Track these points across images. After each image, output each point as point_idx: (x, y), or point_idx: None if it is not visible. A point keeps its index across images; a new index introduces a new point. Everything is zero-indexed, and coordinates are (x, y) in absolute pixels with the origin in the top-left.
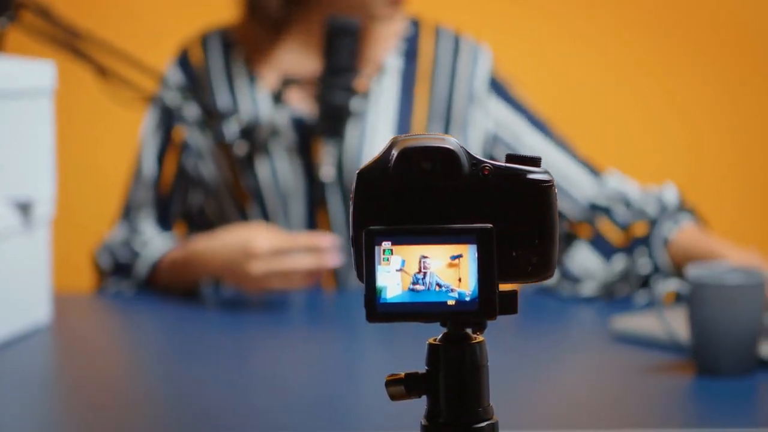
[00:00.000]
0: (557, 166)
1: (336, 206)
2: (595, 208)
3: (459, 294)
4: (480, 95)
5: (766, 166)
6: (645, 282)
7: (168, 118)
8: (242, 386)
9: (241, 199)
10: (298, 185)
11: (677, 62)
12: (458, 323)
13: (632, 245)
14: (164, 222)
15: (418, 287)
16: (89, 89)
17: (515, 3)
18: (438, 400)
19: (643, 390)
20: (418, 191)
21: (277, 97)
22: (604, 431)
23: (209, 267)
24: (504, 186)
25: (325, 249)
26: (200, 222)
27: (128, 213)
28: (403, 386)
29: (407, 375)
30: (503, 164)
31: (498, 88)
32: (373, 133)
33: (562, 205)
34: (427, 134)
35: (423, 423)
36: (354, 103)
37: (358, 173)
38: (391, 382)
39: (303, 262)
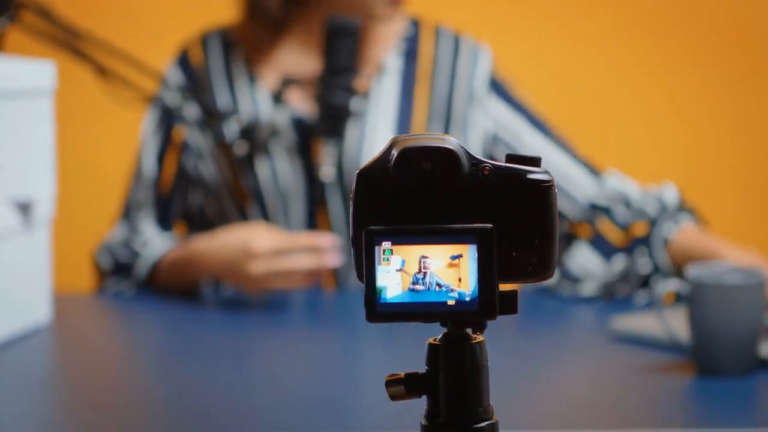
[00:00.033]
0: (557, 166)
1: (336, 206)
2: (595, 208)
3: (459, 294)
4: (480, 95)
5: (766, 166)
6: (645, 282)
7: (168, 118)
8: (242, 386)
9: (241, 199)
10: (298, 185)
11: (677, 62)
12: (458, 323)
13: (632, 245)
14: (164, 222)
15: (418, 287)
16: (89, 89)
17: (515, 3)
18: (438, 400)
19: (643, 390)
20: (418, 191)
21: (277, 97)
22: (604, 431)
23: (209, 267)
24: (504, 186)
25: (325, 249)
26: (200, 222)
27: (128, 213)
28: (403, 386)
29: (407, 375)
30: (503, 164)
31: (498, 88)
32: (373, 133)
33: (562, 205)
34: (427, 134)
35: (423, 423)
36: (354, 103)
37: (358, 173)
38: (391, 382)
39: (303, 262)
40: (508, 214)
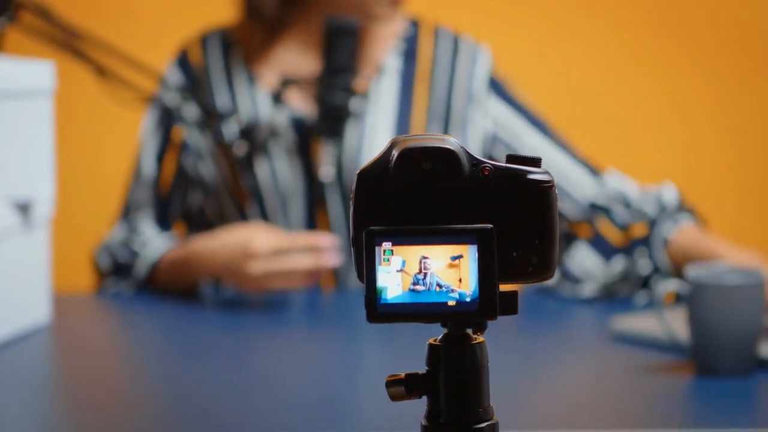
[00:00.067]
0: (557, 166)
1: (335, 206)
2: (595, 208)
3: (459, 294)
4: (479, 95)
5: (766, 166)
6: (645, 283)
7: (167, 119)
8: (242, 386)
9: (240, 199)
10: (298, 185)
11: (677, 62)
12: (459, 324)
13: (632, 246)
14: (164, 222)
15: (419, 288)
16: (89, 89)
17: (515, 3)
18: (438, 401)
19: (643, 390)
20: (419, 191)
21: (277, 98)
22: (604, 431)
23: (209, 267)
24: (504, 186)
25: (325, 249)
26: (200, 222)
27: (128, 213)
28: (403, 387)
29: (407, 375)
30: (503, 164)
31: (497, 87)
32: (373, 134)
33: (561, 204)
34: (428, 134)
35: (423, 423)
36: (353, 104)
37: (359, 174)
38: (392, 383)
39: (302, 262)
40: (508, 214)
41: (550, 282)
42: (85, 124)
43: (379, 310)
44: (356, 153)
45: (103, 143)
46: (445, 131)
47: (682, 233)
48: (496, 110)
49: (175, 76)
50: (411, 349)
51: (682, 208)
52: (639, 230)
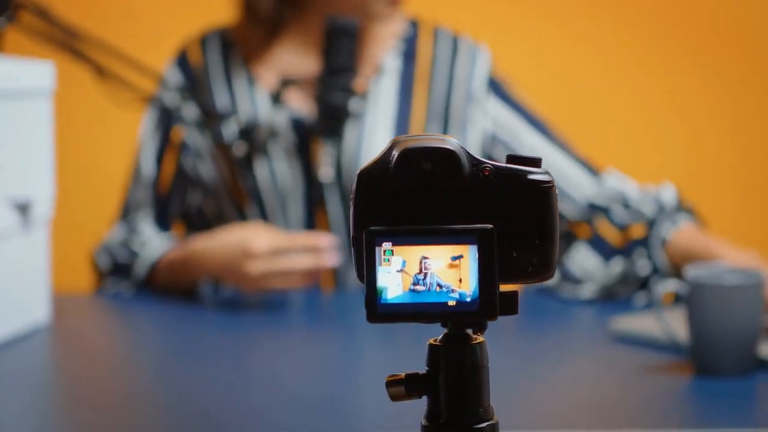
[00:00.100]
0: (556, 166)
1: (334, 206)
2: (594, 208)
3: (460, 294)
4: (478, 95)
5: (766, 166)
6: (644, 283)
7: (167, 119)
8: (241, 386)
9: (239, 200)
10: (297, 185)
11: (677, 62)
12: (459, 324)
13: (630, 247)
14: (163, 222)
15: (419, 288)
16: (88, 90)
17: (515, 3)
18: (438, 401)
19: (643, 390)
20: (419, 192)
21: (276, 98)
22: (603, 431)
23: (208, 267)
24: (504, 186)
25: (324, 249)
26: (199, 222)
27: (127, 213)
28: (403, 387)
29: (408, 375)
30: (504, 165)
31: (496, 88)
32: (372, 134)
33: (560, 205)
34: (428, 135)
35: (423, 423)
36: (353, 104)
37: (359, 174)
38: (392, 383)
39: (301, 261)
40: (508, 214)
41: (550, 282)
42: (85, 124)
43: (379, 310)
44: (355, 153)
45: (102, 143)
46: (444, 131)
47: (680, 233)
48: (495, 110)
49: (174, 77)
50: (411, 349)
51: (681, 208)
52: (637, 231)
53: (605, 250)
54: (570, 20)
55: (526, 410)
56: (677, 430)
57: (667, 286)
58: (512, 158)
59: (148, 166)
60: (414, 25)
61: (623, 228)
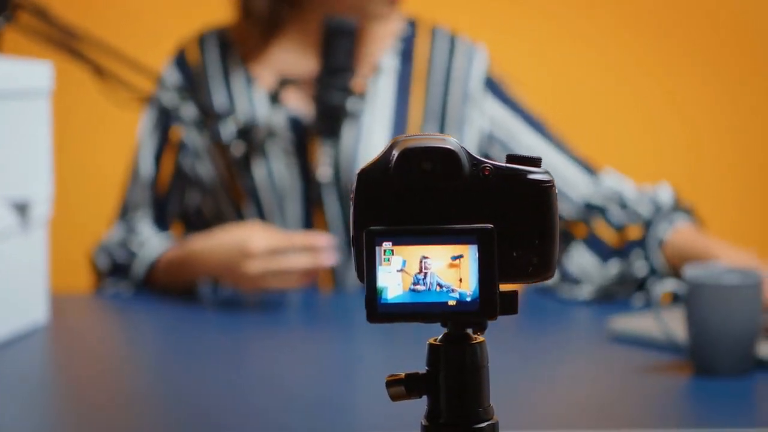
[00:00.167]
0: (553, 165)
1: (332, 206)
2: (591, 208)
3: (460, 294)
4: (475, 95)
5: (766, 166)
6: (642, 284)
7: (165, 118)
8: (241, 386)
9: (237, 199)
10: (295, 185)
11: (677, 62)
12: (459, 323)
13: (627, 248)
14: (161, 222)
15: (419, 287)
16: (87, 90)
17: (515, 3)
18: (438, 401)
19: (641, 390)
20: (419, 192)
21: (274, 98)
22: (603, 431)
23: (206, 267)
24: (504, 186)
25: (322, 248)
26: (197, 222)
27: (125, 213)
28: (403, 386)
29: (407, 375)
30: (504, 164)
31: (493, 87)
32: (369, 134)
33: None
34: (428, 135)
35: (423, 423)
36: (350, 104)
37: (359, 173)
38: (392, 383)
39: (299, 261)
40: (508, 214)
41: (550, 282)
42: (83, 124)
43: (379, 310)
44: (353, 153)
45: (100, 143)
46: (442, 131)
47: (677, 233)
48: (493, 109)
49: (172, 76)
50: (411, 349)
51: (678, 207)
52: (634, 232)
53: (602, 251)
54: (570, 20)
55: (526, 410)
56: (676, 430)
57: (666, 286)
58: (512, 158)
59: (147, 166)
60: (412, 24)
61: (620, 228)
